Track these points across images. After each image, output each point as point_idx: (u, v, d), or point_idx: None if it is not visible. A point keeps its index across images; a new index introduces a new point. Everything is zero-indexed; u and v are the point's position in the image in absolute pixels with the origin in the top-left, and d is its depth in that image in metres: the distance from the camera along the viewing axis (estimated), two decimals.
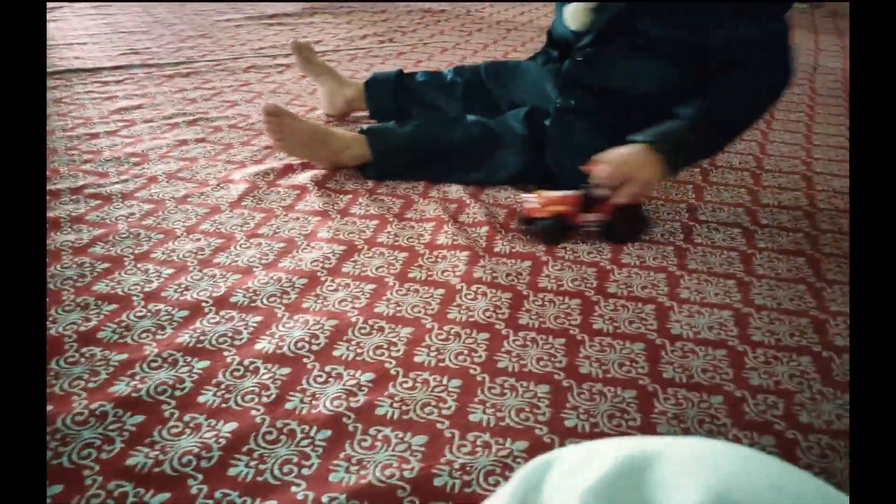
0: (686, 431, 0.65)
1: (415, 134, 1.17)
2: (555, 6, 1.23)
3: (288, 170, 1.18)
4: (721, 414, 0.67)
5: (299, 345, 0.74)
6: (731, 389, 0.70)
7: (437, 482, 0.58)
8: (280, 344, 0.74)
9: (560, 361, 0.73)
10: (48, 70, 1.67)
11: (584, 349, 0.76)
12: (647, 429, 0.65)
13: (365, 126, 1.21)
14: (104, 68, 1.71)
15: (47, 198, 1.04)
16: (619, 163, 0.95)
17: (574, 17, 1.14)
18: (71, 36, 2.02)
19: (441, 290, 0.85)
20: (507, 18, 2.63)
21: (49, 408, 0.63)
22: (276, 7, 2.59)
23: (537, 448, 0.62)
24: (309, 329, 0.76)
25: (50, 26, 2.15)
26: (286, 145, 1.16)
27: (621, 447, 0.27)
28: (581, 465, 0.26)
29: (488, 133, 1.15)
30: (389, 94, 1.35)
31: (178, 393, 0.66)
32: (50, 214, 0.99)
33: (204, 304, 0.80)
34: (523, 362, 0.73)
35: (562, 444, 0.62)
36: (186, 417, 0.63)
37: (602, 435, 0.63)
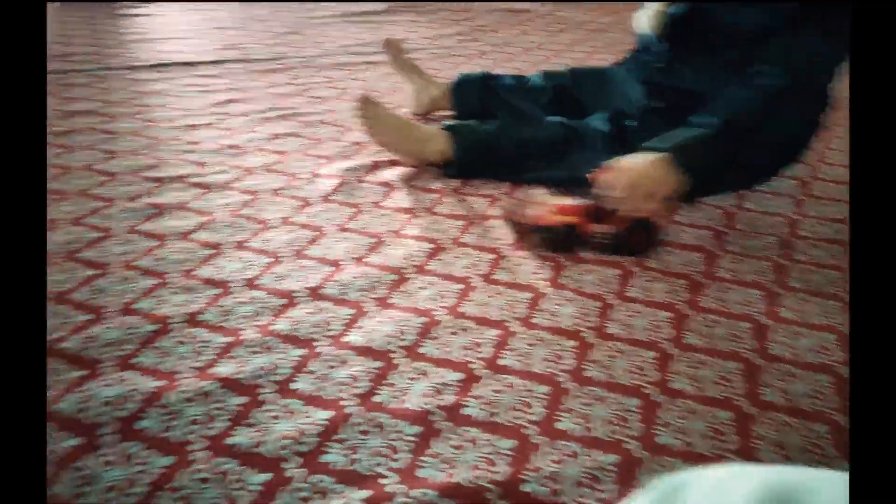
0: (787, 459, 0.62)
1: (497, 132, 1.18)
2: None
3: (376, 166, 1.20)
4: (826, 444, 0.63)
5: (388, 340, 0.75)
6: (838, 419, 0.66)
7: (525, 488, 0.57)
8: (370, 338, 0.75)
9: (650, 375, 0.72)
10: (152, 63, 1.77)
11: (675, 364, 0.74)
12: (746, 453, 0.62)
13: (448, 122, 1.22)
14: (203, 62, 1.80)
15: (154, 184, 1.11)
16: (633, 175, 0.89)
17: (648, 21, 1.14)
18: (172, 31, 2.14)
19: (527, 294, 0.85)
20: (591, 19, 2.58)
21: (159, 383, 0.67)
22: (363, 5, 2.64)
23: (627, 463, 0.60)
24: (397, 325, 0.78)
25: (153, 21, 2.28)
26: (374, 132, 1.19)
27: (767, 473, 0.26)
28: (724, 488, 0.26)
29: (570, 132, 1.15)
30: (475, 95, 1.36)
31: (275, 378, 0.69)
32: (157, 200, 1.05)
33: (298, 294, 0.83)
34: (611, 373, 0.72)
35: (653, 461, 0.61)
36: (283, 402, 0.66)
37: (698, 456, 0.62)
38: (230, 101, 1.53)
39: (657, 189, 0.90)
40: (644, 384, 0.70)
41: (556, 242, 0.93)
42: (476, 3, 2.81)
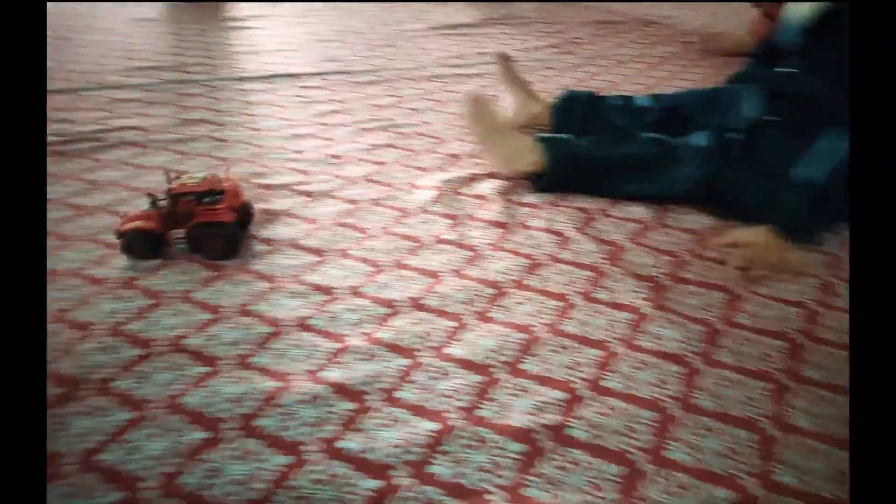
0: None
1: (591, 145, 1.17)
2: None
3: (471, 179, 1.22)
4: None
5: (489, 354, 0.76)
6: None
7: None
8: (471, 351, 0.76)
9: (764, 408, 0.69)
10: (259, 74, 1.87)
11: (791, 398, 0.70)
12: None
13: (542, 134, 1.23)
14: (306, 74, 1.88)
15: (264, 191, 1.17)
16: (754, 254, 0.93)
17: (797, 12, 1.10)
18: (277, 43, 2.25)
19: (627, 315, 0.83)
20: (692, 30, 2.50)
21: (275, 384, 0.70)
22: (456, 18, 2.68)
23: (743, 499, 0.58)
24: (498, 340, 0.78)
25: (260, 34, 2.41)
26: (478, 131, 1.23)
27: None
28: None
29: (665, 147, 1.13)
30: (578, 114, 1.35)
31: (381, 386, 0.71)
32: (267, 206, 1.11)
33: (400, 304, 0.85)
34: (721, 402, 0.69)
35: (771, 499, 0.58)
36: (390, 411, 0.67)
37: (822, 500, 0.58)
38: (331, 111, 1.59)
39: (778, 262, 0.92)
40: (758, 417, 0.67)
41: (130, 247, 0.93)
42: (569, 17, 2.79)
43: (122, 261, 0.93)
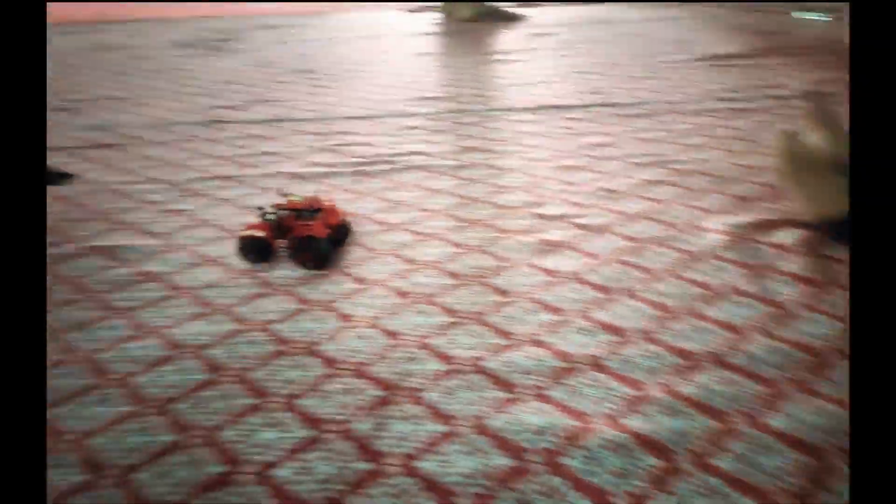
0: None
1: None
2: None
3: (768, 225, 1.10)
4: None
5: (820, 435, 0.65)
6: None
7: None
8: (796, 427, 0.67)
9: None
10: (527, 106, 1.93)
11: None
12: None
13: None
14: (572, 106, 1.89)
15: (540, 221, 1.18)
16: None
17: None
18: (541, 76, 2.31)
19: None
20: None
21: (575, 423, 0.68)
22: (723, 48, 2.51)
23: None
24: (828, 419, 0.67)
25: (523, 67, 2.49)
26: (783, 166, 1.14)
27: None
28: None
29: None
30: None
31: (690, 446, 0.65)
32: (545, 237, 1.11)
33: (700, 358, 0.78)
34: None
35: None
36: (704, 477, 0.61)
37: None
38: (599, 144, 1.57)
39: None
40: None
41: (243, 253, 1.04)
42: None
43: (422, 276, 1.00)
